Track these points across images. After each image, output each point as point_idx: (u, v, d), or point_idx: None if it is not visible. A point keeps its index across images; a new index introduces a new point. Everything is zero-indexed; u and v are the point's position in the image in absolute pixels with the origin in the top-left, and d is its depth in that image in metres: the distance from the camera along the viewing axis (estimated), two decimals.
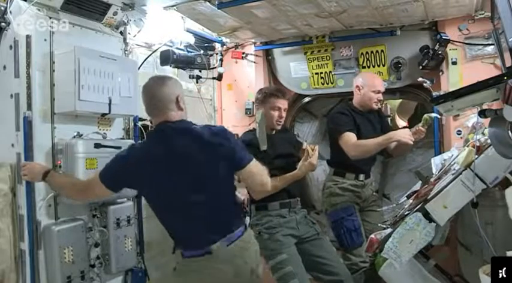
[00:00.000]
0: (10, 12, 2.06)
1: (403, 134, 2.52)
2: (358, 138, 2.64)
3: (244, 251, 1.80)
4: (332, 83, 3.37)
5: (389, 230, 2.08)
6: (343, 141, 2.63)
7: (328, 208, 2.81)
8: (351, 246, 2.65)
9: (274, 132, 2.54)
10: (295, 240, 2.38)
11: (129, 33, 2.68)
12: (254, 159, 1.89)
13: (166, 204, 1.76)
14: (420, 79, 2.95)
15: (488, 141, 1.84)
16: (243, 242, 1.81)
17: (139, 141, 2.58)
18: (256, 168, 1.91)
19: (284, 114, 2.51)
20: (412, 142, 2.55)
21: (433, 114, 2.64)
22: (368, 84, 2.75)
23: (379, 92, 2.76)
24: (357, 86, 2.79)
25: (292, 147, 2.55)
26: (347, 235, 2.64)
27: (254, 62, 3.52)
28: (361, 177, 2.78)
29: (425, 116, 2.63)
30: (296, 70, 3.47)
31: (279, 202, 2.39)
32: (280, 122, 2.50)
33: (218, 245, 1.71)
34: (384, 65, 3.15)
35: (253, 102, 3.39)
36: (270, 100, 2.46)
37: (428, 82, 2.93)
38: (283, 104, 2.49)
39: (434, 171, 2.59)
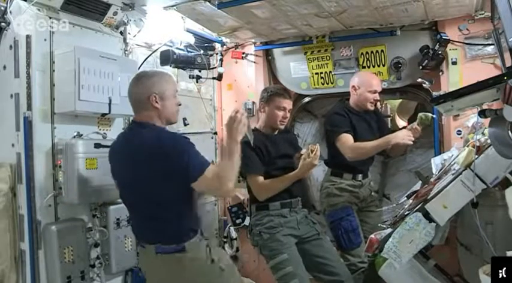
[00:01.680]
0: (10, 12, 2.06)
1: (402, 136, 2.51)
2: (354, 138, 2.63)
3: (169, 268, 1.79)
4: (332, 83, 3.36)
5: (389, 230, 2.07)
6: (340, 143, 2.62)
7: (326, 208, 2.80)
8: (349, 247, 2.64)
9: (276, 132, 2.54)
10: (295, 240, 2.38)
11: (129, 33, 2.68)
12: (208, 169, 1.69)
13: (121, 198, 1.95)
14: (419, 80, 2.95)
15: (488, 141, 1.84)
16: (174, 260, 1.77)
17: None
18: (211, 178, 1.69)
19: (288, 115, 2.51)
20: (411, 142, 2.55)
21: (430, 114, 2.62)
22: (364, 84, 2.74)
23: (375, 92, 2.74)
24: (353, 86, 2.78)
25: (293, 148, 2.55)
26: (345, 236, 2.64)
27: (254, 62, 3.52)
28: (359, 177, 2.78)
29: (421, 114, 2.62)
30: (296, 70, 3.46)
31: (280, 202, 2.39)
32: (283, 122, 2.49)
33: (151, 247, 1.79)
34: (384, 65, 3.15)
35: (253, 102, 3.40)
36: (275, 99, 2.46)
37: (427, 83, 2.93)
38: (288, 104, 2.49)
39: (434, 171, 2.59)
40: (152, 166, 1.71)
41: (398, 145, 2.59)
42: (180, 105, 1.94)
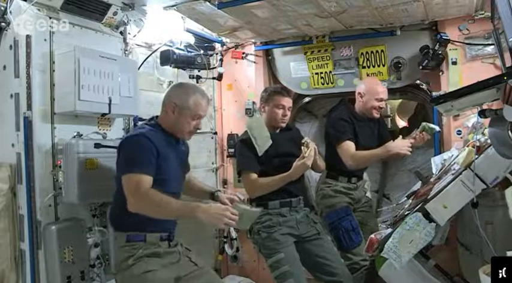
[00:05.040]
0: (10, 12, 2.06)
1: (401, 146, 2.51)
2: (357, 145, 2.63)
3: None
4: (332, 83, 3.36)
5: (389, 230, 2.08)
6: (342, 150, 2.61)
7: (323, 210, 2.80)
8: (350, 246, 2.63)
9: (278, 130, 2.53)
10: (294, 239, 2.38)
11: (129, 33, 2.68)
12: (133, 175, 1.73)
13: None
14: (418, 82, 2.94)
15: (488, 141, 1.84)
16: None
17: None
18: (126, 184, 1.74)
19: (288, 113, 2.50)
20: (410, 153, 2.56)
21: (433, 126, 2.59)
22: (370, 92, 2.70)
23: (381, 100, 2.71)
24: (359, 93, 2.75)
25: (295, 145, 2.52)
26: (346, 236, 2.63)
27: (254, 62, 3.52)
28: (353, 180, 2.78)
29: (424, 124, 2.58)
30: (296, 70, 3.46)
31: (279, 201, 2.39)
32: (284, 120, 2.49)
33: None
34: (383, 65, 3.15)
35: (253, 102, 3.39)
36: (274, 98, 2.46)
37: (424, 85, 2.93)
38: (287, 102, 2.49)
39: (434, 171, 2.59)
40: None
41: (397, 154, 2.60)
42: (198, 129, 1.97)
